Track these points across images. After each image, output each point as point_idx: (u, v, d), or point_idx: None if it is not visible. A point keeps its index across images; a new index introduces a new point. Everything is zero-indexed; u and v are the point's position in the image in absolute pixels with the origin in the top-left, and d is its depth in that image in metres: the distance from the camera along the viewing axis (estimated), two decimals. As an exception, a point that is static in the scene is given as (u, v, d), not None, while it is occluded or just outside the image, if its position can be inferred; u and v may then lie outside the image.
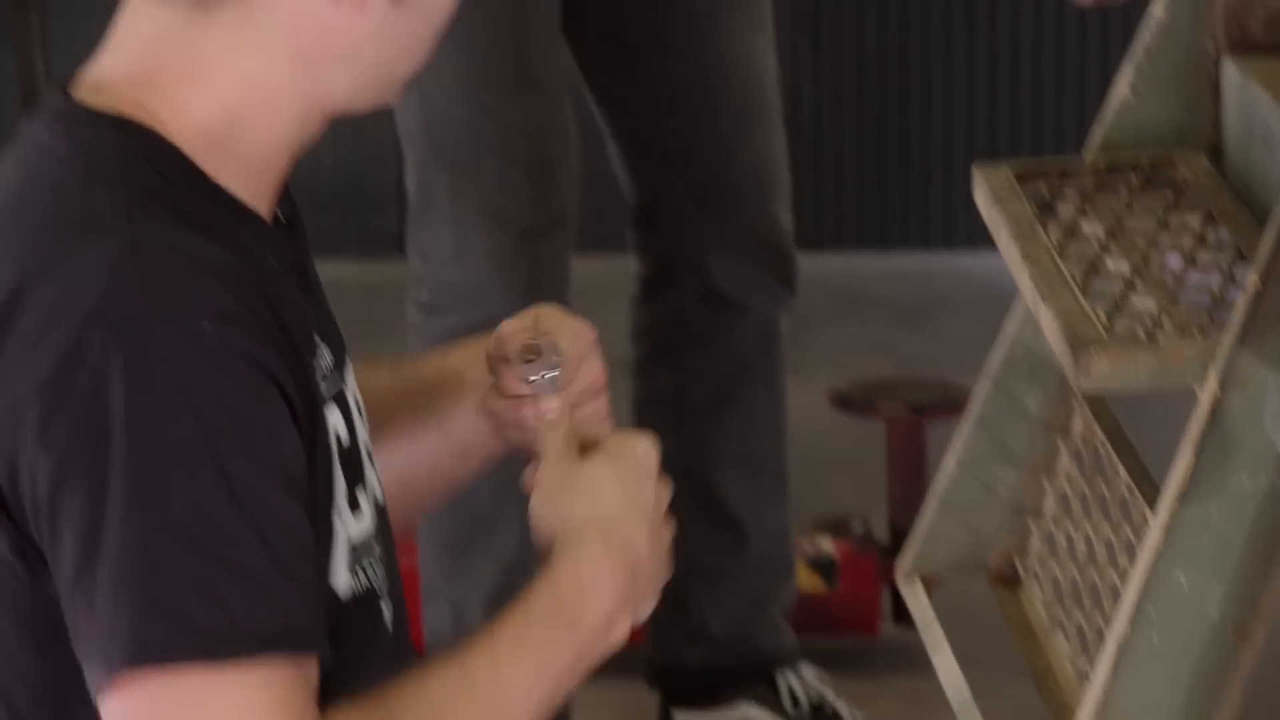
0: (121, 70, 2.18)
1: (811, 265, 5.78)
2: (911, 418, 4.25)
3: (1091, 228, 2.85)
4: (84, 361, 1.98)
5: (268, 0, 2.14)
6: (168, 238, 2.04)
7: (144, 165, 2.11)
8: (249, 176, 2.17)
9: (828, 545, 4.32)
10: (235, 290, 2.04)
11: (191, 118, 2.14)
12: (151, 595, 1.94)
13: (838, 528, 4.36)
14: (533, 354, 2.39)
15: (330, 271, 2.54)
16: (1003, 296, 3.21)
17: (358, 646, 2.18)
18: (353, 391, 2.25)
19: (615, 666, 3.75)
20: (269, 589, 1.97)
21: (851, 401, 4.34)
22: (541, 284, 3.76)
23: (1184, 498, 2.48)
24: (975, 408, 3.18)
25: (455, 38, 3.44)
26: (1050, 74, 6.23)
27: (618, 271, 4.10)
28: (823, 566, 4.32)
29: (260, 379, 2.02)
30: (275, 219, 2.21)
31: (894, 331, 5.68)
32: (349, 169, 6.51)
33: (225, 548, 1.96)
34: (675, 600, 3.80)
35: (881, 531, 4.36)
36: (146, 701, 1.95)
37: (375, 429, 2.40)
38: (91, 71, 2.19)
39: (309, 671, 1.99)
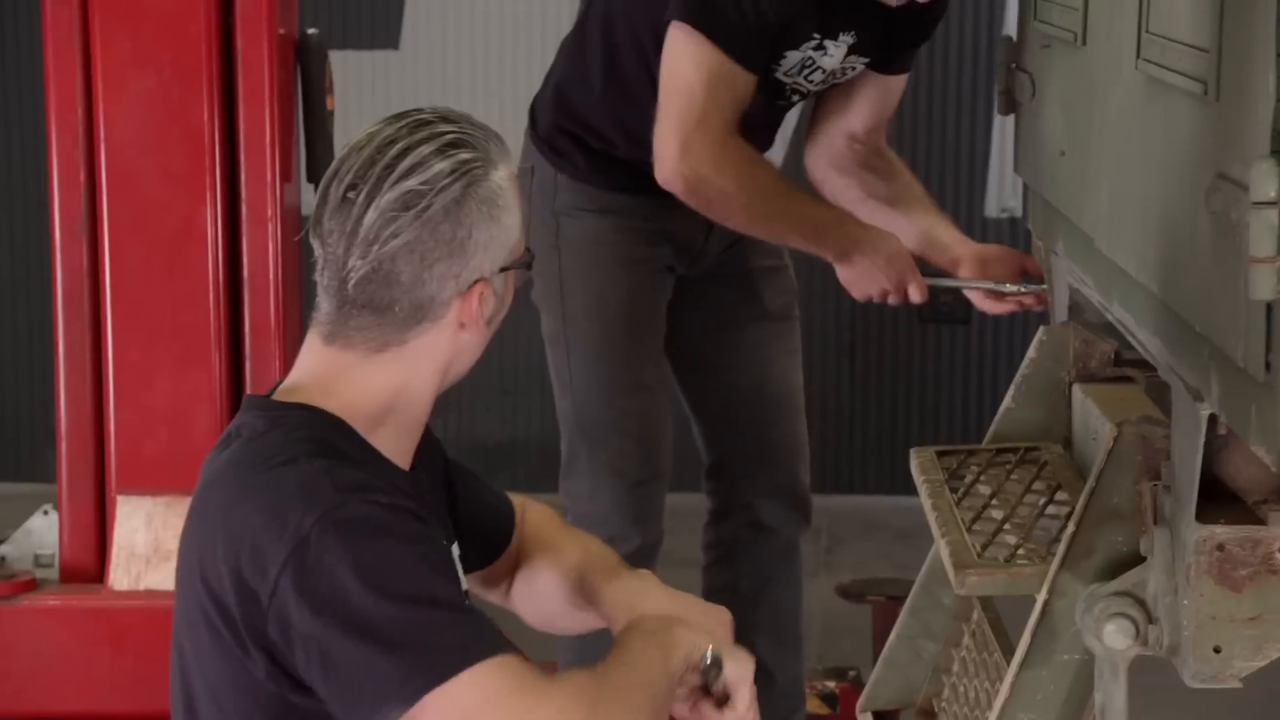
0: (306, 381, 2.34)
1: (845, 502, 5.93)
2: (888, 604, 4.23)
3: (982, 489, 3.09)
4: (307, 541, 2.15)
5: (417, 343, 2.32)
6: (339, 465, 2.23)
7: (323, 429, 2.28)
8: (396, 442, 2.35)
9: (831, 684, 4.39)
10: (390, 490, 2.24)
11: (358, 410, 2.31)
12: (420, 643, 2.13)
13: (840, 673, 4.44)
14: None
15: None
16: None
17: None
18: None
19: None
20: (475, 622, 2.17)
21: (849, 593, 4.45)
22: (646, 516, 3.87)
23: (1023, 666, 2.67)
24: (909, 601, 3.37)
25: (596, 355, 3.79)
26: (983, 379, 6.22)
27: (695, 505, 4.12)
28: (827, 698, 4.37)
29: (421, 522, 2.24)
30: (413, 466, 2.39)
31: (896, 546, 5.79)
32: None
33: (445, 603, 2.17)
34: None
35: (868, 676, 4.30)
36: (447, 707, 2.11)
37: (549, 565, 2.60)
38: (290, 383, 2.36)
39: (520, 658, 2.16)
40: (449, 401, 5.69)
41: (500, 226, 2.33)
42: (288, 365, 4.19)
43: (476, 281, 2.32)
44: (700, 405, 4.03)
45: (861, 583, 4.43)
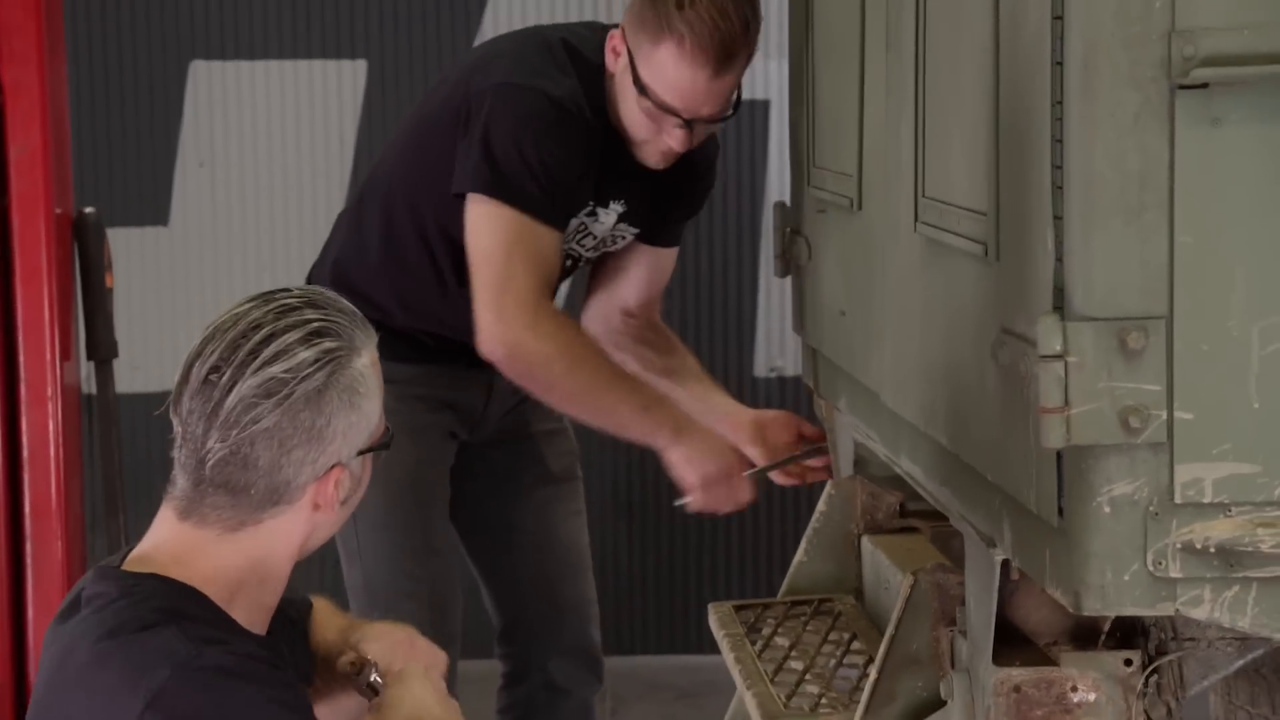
0: (157, 554, 2.34)
1: (627, 663, 5.93)
2: None
3: (781, 640, 3.16)
4: (164, 692, 2.15)
5: (273, 524, 2.33)
6: (193, 625, 2.24)
7: (176, 598, 2.28)
8: (249, 613, 2.35)
9: None
10: (244, 643, 2.27)
11: (211, 583, 2.32)
12: None
13: None
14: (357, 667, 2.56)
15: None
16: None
17: None
18: None
19: None
20: None
21: None
22: None
23: None
24: None
25: (383, 523, 3.78)
26: (758, 537, 6.16)
27: (487, 670, 4.08)
28: None
29: (275, 669, 2.27)
30: (269, 631, 2.40)
31: (679, 706, 5.73)
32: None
33: None
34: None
35: None
36: None
37: None
38: (141, 554, 2.35)
39: None
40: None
41: (360, 413, 2.34)
42: (69, 544, 4.21)
43: (334, 466, 2.33)
44: (489, 569, 4.03)
45: None
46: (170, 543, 2.36)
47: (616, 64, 3.56)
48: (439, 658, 2.65)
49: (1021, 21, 2.27)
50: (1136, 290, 2.15)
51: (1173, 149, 2.13)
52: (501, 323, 3.53)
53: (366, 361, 2.36)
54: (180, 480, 2.34)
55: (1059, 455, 2.21)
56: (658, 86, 3.48)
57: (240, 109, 6.04)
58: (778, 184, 5.99)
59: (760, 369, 6.03)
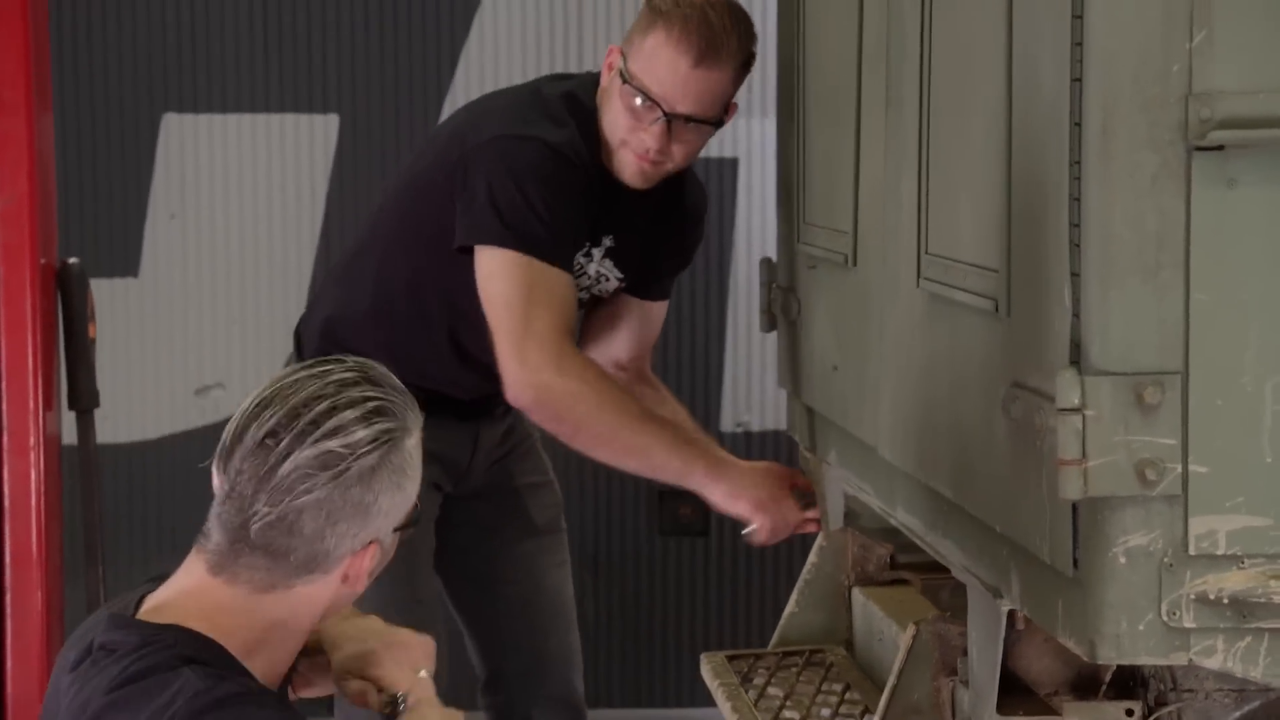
0: (181, 603, 2.33)
1: (593, 717, 5.90)
2: None
3: (775, 691, 3.18)
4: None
5: (303, 591, 2.34)
6: (193, 674, 2.23)
7: (196, 648, 2.28)
8: (266, 669, 2.35)
9: None
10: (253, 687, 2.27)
11: (233, 637, 2.31)
12: None
13: None
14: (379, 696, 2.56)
15: None
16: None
17: None
18: None
19: None
20: None
21: None
22: None
23: None
24: None
25: (374, 584, 3.76)
26: (722, 589, 6.16)
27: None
28: None
29: (288, 710, 2.28)
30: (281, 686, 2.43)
31: None
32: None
33: None
34: None
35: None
36: None
37: None
38: (162, 603, 2.34)
39: None
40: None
41: (403, 493, 2.37)
42: (48, 593, 4.20)
43: (371, 542, 2.36)
44: (474, 619, 4.00)
45: None
46: (195, 595, 2.35)
47: (608, 75, 3.62)
48: (429, 646, 2.67)
49: (1037, 82, 2.31)
50: (1153, 346, 2.19)
51: (1189, 209, 2.17)
52: (526, 368, 3.50)
53: (414, 442, 2.39)
54: (216, 535, 2.34)
55: (1074, 506, 2.24)
56: (641, 73, 3.52)
57: (212, 161, 6.03)
58: (745, 242, 6.02)
59: (727, 424, 6.03)
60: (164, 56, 5.97)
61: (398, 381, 2.42)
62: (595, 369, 3.61)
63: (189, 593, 2.36)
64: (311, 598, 2.37)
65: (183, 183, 6.03)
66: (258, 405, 2.35)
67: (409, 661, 2.62)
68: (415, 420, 2.40)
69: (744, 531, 3.54)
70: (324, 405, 2.32)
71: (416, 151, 4.06)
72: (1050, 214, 2.28)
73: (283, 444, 2.30)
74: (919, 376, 2.80)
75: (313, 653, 2.61)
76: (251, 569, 2.33)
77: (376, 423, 2.33)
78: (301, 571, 2.33)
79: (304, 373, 2.38)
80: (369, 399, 2.34)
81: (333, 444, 2.30)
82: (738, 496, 3.51)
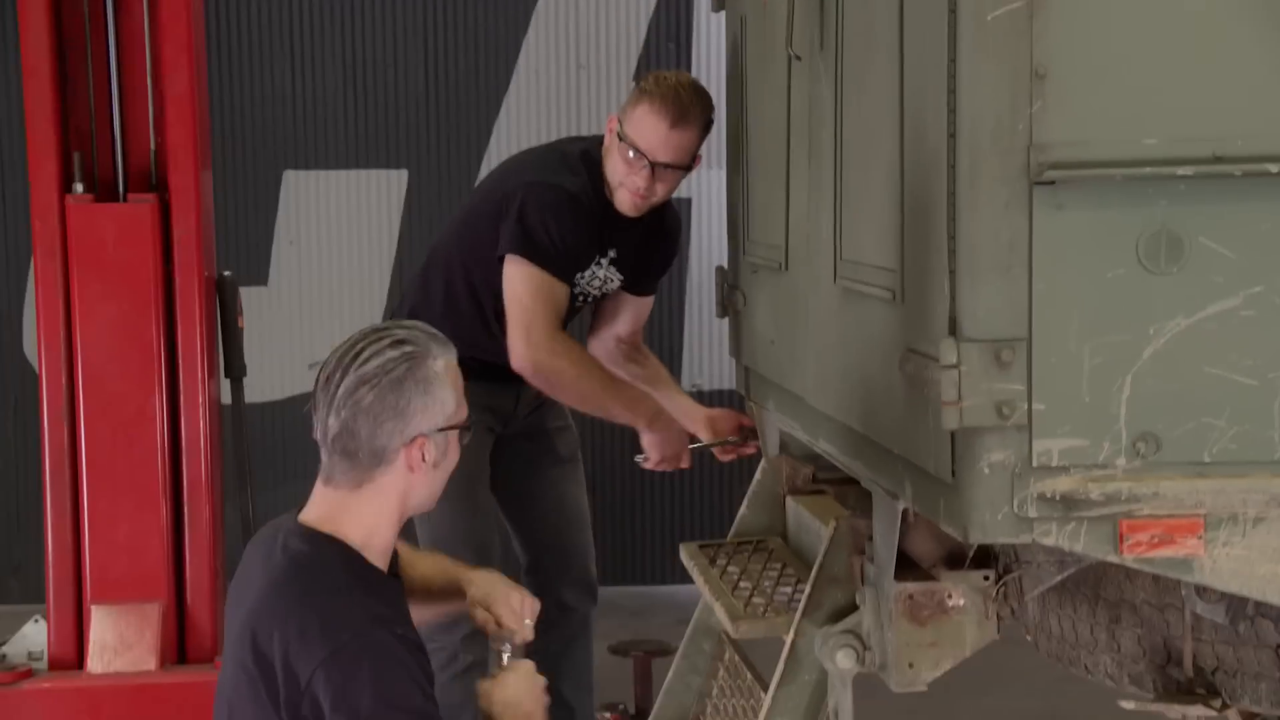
0: (320, 514, 2.37)
1: (618, 591, 5.82)
2: (644, 657, 4.25)
3: (733, 569, 3.18)
4: (343, 650, 2.16)
5: (385, 482, 2.34)
6: (368, 595, 2.27)
7: (348, 562, 2.32)
8: (378, 557, 2.37)
9: (608, 714, 4.26)
10: (402, 620, 2.29)
11: (353, 536, 2.35)
12: None
13: (612, 706, 4.30)
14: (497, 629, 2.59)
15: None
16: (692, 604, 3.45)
17: None
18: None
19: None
20: None
21: (617, 650, 4.37)
22: None
23: (778, 685, 2.79)
24: (681, 647, 3.41)
25: (444, 493, 3.75)
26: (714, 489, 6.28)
27: None
28: None
29: (419, 651, 2.27)
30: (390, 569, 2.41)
31: (632, 620, 5.57)
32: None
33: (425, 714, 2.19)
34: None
35: (632, 708, 4.34)
36: None
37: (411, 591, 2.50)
38: (308, 513, 2.39)
39: None
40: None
41: (433, 398, 2.33)
42: (214, 511, 4.20)
43: (417, 437, 2.32)
44: (518, 524, 4.01)
45: (626, 643, 4.36)
46: (319, 505, 2.36)
47: (609, 136, 3.63)
48: (535, 605, 2.64)
49: (924, 137, 2.29)
50: (1007, 321, 2.16)
51: (1031, 226, 2.15)
52: (530, 346, 3.57)
53: (441, 364, 2.34)
54: (323, 456, 2.35)
55: (952, 434, 2.22)
56: (633, 134, 3.56)
57: (319, 205, 6.04)
58: (696, 256, 6.04)
59: (685, 385, 6.05)
60: (285, 122, 5.98)
61: (428, 327, 2.39)
62: (578, 350, 3.66)
63: (318, 504, 2.37)
64: (390, 485, 2.33)
65: (299, 220, 6.03)
66: (323, 366, 2.36)
67: (523, 610, 2.59)
68: (440, 349, 2.35)
69: (636, 457, 3.64)
70: (359, 347, 2.32)
71: (472, 194, 4.08)
72: (934, 229, 2.27)
73: (336, 376, 2.31)
74: (836, 346, 2.79)
75: (449, 593, 2.62)
76: (342, 471, 2.32)
77: (400, 348, 2.31)
78: (372, 465, 2.30)
79: (352, 336, 2.38)
80: (394, 334, 2.33)
81: (367, 368, 2.29)
82: (655, 441, 3.63)
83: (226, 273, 4.35)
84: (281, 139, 5.97)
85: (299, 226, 6.01)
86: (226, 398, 4.39)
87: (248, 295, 4.86)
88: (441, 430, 2.35)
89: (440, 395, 2.34)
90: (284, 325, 5.98)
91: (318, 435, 2.35)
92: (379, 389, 2.29)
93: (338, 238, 6.03)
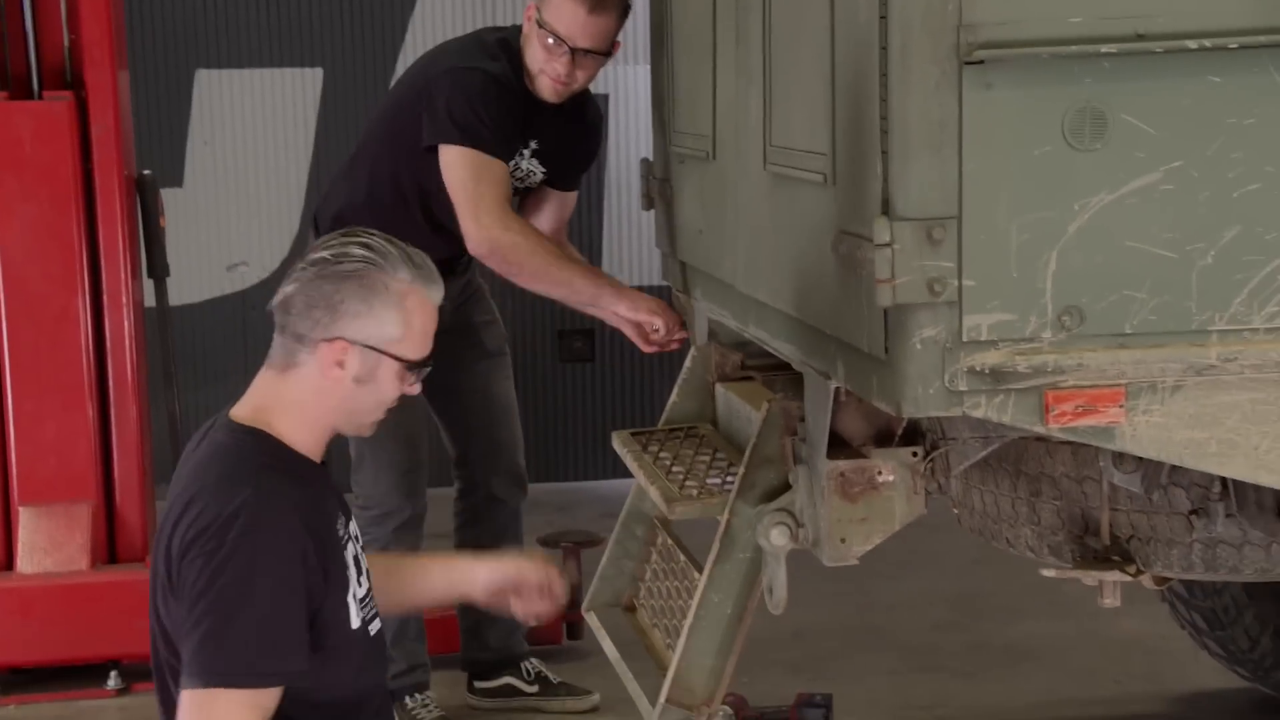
0: (250, 406, 2.30)
1: (545, 488, 5.80)
2: (574, 547, 4.27)
3: (665, 455, 3.20)
4: (223, 539, 2.13)
5: (305, 374, 2.24)
6: (273, 485, 2.18)
7: (266, 449, 2.25)
8: (310, 449, 2.29)
9: None
10: (301, 514, 2.18)
11: (279, 428, 2.27)
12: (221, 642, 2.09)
13: None
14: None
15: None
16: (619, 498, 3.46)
17: (365, 647, 2.30)
18: (354, 533, 2.33)
19: (447, 662, 3.81)
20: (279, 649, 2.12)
21: (547, 542, 4.36)
22: (413, 494, 3.82)
23: (715, 563, 2.80)
24: (614, 533, 3.41)
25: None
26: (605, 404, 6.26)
27: (446, 494, 4.04)
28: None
29: (300, 549, 2.17)
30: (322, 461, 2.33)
31: (556, 515, 5.62)
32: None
33: (262, 624, 2.11)
34: (474, 629, 4.07)
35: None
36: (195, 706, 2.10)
37: (392, 587, 2.46)
38: (239, 407, 2.30)
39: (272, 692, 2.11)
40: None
41: (370, 310, 2.22)
42: (141, 410, 4.21)
43: (338, 338, 2.22)
44: (447, 417, 4.01)
45: (555, 535, 4.40)
46: (252, 395, 2.30)
47: (528, 24, 3.63)
48: (560, 582, 2.57)
49: (855, 19, 2.31)
50: (938, 200, 2.18)
51: (961, 105, 2.17)
52: (482, 228, 3.53)
53: (400, 286, 2.24)
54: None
55: (885, 312, 2.25)
56: (551, 19, 3.56)
57: (233, 104, 5.98)
58: (615, 154, 6.04)
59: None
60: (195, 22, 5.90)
61: (416, 251, 2.30)
62: (529, 227, 3.65)
63: (253, 394, 2.31)
64: (311, 380, 2.25)
65: (212, 120, 5.97)
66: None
67: (553, 588, 2.53)
68: (409, 272, 2.25)
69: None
70: (337, 238, 2.28)
71: (393, 88, 4.06)
72: (865, 111, 2.29)
73: (305, 255, 2.29)
74: (767, 232, 2.80)
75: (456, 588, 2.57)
76: (275, 350, 2.27)
77: (365, 252, 2.24)
78: (295, 350, 2.23)
79: (345, 230, 2.34)
80: (370, 238, 2.27)
81: (326, 254, 2.25)
82: (637, 307, 3.54)
83: (146, 172, 4.32)
84: (193, 37, 5.89)
85: (213, 127, 5.94)
86: (150, 299, 4.38)
87: (163, 198, 4.82)
88: (370, 348, 2.23)
89: (381, 312, 2.23)
90: (201, 227, 5.93)
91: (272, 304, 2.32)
92: (324, 275, 2.22)
93: (253, 138, 5.97)
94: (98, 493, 4.20)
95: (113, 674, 4.11)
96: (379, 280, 2.23)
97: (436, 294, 2.32)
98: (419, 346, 2.29)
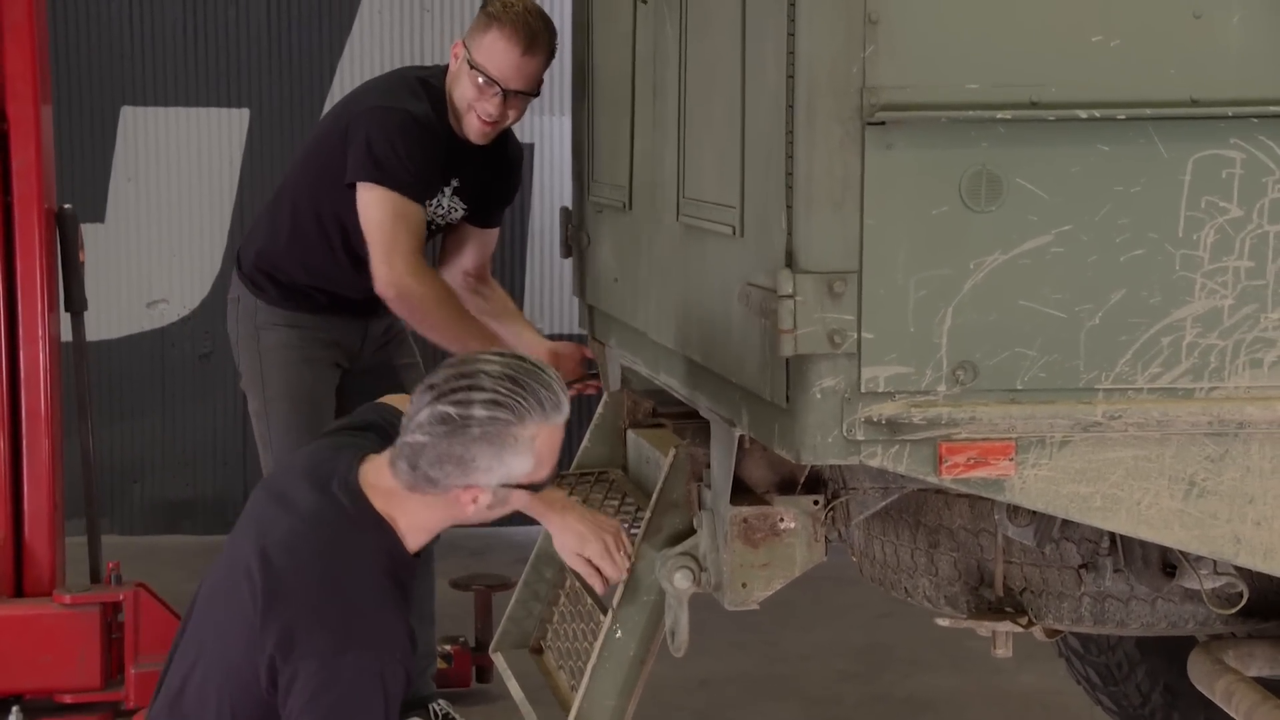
0: (380, 485, 2.41)
1: (457, 532, 5.69)
2: (485, 590, 4.34)
3: (575, 498, 3.11)
4: (325, 669, 2.23)
5: (429, 499, 2.38)
6: (370, 615, 2.29)
7: (386, 548, 2.38)
8: (413, 545, 2.44)
9: (448, 646, 4.36)
10: (397, 636, 2.31)
11: (400, 524, 2.41)
12: None
13: (453, 639, 4.39)
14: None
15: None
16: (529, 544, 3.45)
17: None
18: None
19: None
20: None
21: (458, 584, 4.42)
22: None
23: (621, 603, 2.84)
24: (523, 575, 3.44)
25: (288, 424, 3.75)
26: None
27: None
28: (445, 656, 4.34)
29: (396, 680, 2.29)
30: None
31: (470, 560, 5.54)
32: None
33: None
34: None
35: (473, 640, 4.43)
36: None
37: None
38: (370, 474, 2.40)
39: None
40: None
41: (502, 462, 2.34)
42: (54, 444, 4.19)
43: (472, 486, 2.35)
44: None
45: (467, 578, 4.41)
46: (382, 474, 2.38)
47: (455, 62, 3.66)
48: (623, 537, 2.73)
49: (764, 79, 2.37)
50: (840, 254, 2.24)
51: (863, 163, 2.23)
52: (394, 271, 3.58)
53: (530, 433, 2.33)
54: (398, 439, 2.38)
55: (787, 362, 2.30)
56: (483, 59, 3.61)
57: (158, 142, 5.99)
58: (537, 202, 6.11)
59: (526, 327, 6.12)
60: (124, 61, 5.91)
61: (548, 386, 2.37)
62: (439, 280, 3.70)
63: (384, 478, 2.38)
64: (436, 506, 2.37)
65: (137, 156, 5.98)
66: (448, 363, 2.40)
67: (618, 550, 2.71)
68: (539, 419, 2.33)
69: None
70: (469, 381, 2.33)
71: (316, 124, 4.11)
72: (772, 167, 2.34)
73: (431, 395, 2.34)
74: (678, 282, 2.84)
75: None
76: (402, 472, 2.36)
77: (492, 410, 2.31)
78: (425, 487, 2.34)
79: (488, 355, 2.40)
80: (498, 390, 2.32)
81: (449, 408, 2.31)
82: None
83: (67, 206, 4.33)
84: (119, 74, 5.91)
85: (137, 164, 5.96)
86: (67, 333, 4.37)
87: (84, 233, 4.84)
88: (503, 486, 2.37)
89: (512, 460, 2.35)
90: (122, 263, 5.93)
91: (404, 423, 2.38)
92: (453, 436, 2.31)
93: (177, 176, 5.99)
94: (6, 526, 4.17)
95: (14, 709, 4.07)
96: (508, 435, 2.33)
97: (563, 416, 2.39)
98: (548, 468, 2.41)
